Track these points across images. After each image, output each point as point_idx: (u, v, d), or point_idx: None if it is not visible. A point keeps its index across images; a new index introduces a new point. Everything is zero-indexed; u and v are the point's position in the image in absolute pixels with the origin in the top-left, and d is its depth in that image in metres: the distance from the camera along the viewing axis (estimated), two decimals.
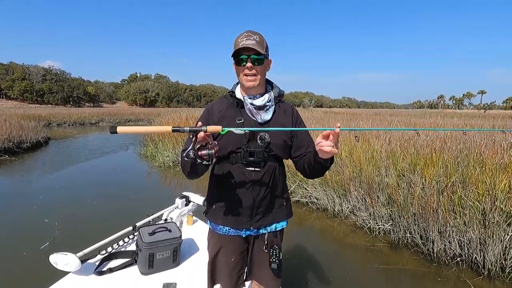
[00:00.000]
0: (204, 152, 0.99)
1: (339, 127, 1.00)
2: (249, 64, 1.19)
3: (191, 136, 1.01)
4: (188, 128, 0.97)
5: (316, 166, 1.17)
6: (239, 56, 1.19)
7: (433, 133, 5.77)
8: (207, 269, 1.46)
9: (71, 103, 64.57)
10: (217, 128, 0.99)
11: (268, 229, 1.37)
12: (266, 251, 1.37)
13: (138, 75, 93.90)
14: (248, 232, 1.35)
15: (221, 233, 1.37)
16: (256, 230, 1.35)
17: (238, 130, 1.06)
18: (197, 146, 1.00)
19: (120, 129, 0.93)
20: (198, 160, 1.00)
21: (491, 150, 3.91)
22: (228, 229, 1.35)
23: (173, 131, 0.96)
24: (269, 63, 1.29)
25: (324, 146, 1.03)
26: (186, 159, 1.00)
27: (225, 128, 1.00)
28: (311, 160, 1.19)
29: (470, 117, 15.56)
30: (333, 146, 1.03)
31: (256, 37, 1.18)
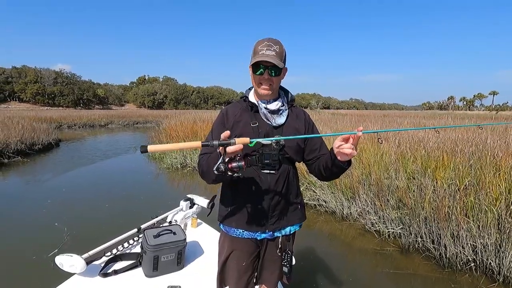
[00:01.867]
0: (234, 164, 1.01)
1: (362, 131, 1.03)
2: (266, 76, 1.22)
3: (219, 150, 1.02)
4: (217, 142, 0.98)
5: (335, 169, 1.18)
6: (258, 66, 1.21)
7: (444, 135, 5.64)
8: (216, 273, 1.46)
9: (81, 105, 65.75)
10: (245, 140, 1.00)
11: (283, 232, 1.37)
12: (280, 254, 1.37)
13: (147, 77, 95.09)
14: (263, 235, 1.34)
15: (235, 235, 1.35)
16: (271, 233, 1.34)
17: (265, 140, 1.08)
18: (227, 159, 1.01)
19: (150, 148, 0.96)
20: (229, 173, 1.01)
21: (505, 152, 3.78)
22: (242, 231, 1.34)
23: (203, 146, 0.98)
24: (285, 72, 1.31)
25: (344, 148, 1.06)
26: (216, 172, 1.00)
27: (253, 140, 1.01)
28: (328, 163, 1.19)
29: (481, 118, 15.20)
30: (353, 148, 1.05)
31: (277, 48, 1.20)
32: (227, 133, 1.00)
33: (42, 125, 12.68)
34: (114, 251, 1.97)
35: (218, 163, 1.00)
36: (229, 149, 0.98)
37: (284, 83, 1.37)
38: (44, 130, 11.59)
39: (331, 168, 1.18)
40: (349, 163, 1.15)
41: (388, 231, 3.53)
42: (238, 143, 0.98)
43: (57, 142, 11.64)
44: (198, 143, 0.98)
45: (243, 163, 1.01)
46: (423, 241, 3.20)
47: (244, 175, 1.28)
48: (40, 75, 62.93)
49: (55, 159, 8.88)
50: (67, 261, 1.68)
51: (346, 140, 1.07)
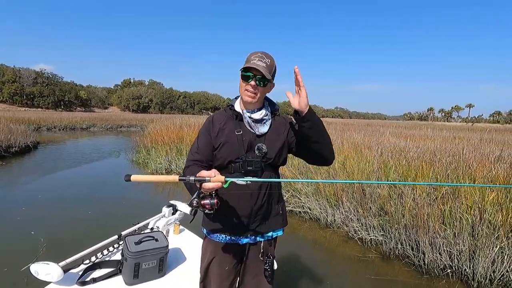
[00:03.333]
0: (206, 201, 1.04)
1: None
2: (253, 83, 1.26)
3: (197, 185, 1.04)
4: (193, 178, 1.01)
5: (309, 132, 1.25)
6: (247, 72, 1.26)
7: (424, 145, 5.87)
8: (199, 280, 1.46)
9: (62, 107, 63.65)
10: (220, 179, 1.02)
11: (265, 236, 1.40)
12: (262, 259, 1.40)
13: (132, 80, 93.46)
14: (245, 240, 1.37)
15: (218, 240, 1.37)
16: (254, 237, 1.37)
17: (240, 181, 1.12)
18: (201, 195, 1.04)
19: (133, 177, 1.03)
20: (200, 209, 1.04)
21: (480, 163, 3.97)
22: (225, 236, 1.36)
23: (180, 180, 1.02)
24: (271, 86, 1.36)
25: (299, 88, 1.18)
26: (189, 207, 1.06)
27: (228, 179, 1.04)
28: (301, 136, 1.28)
29: (458, 129, 15.94)
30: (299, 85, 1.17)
31: (268, 61, 1.26)
32: (211, 172, 1.04)
33: (20, 127, 12.17)
34: (93, 258, 1.90)
35: (192, 198, 1.04)
36: (205, 185, 1.02)
37: (272, 90, 1.42)
38: (21, 132, 11.11)
39: (307, 136, 1.25)
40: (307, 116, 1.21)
41: (370, 238, 3.60)
42: (213, 181, 1.01)
43: (35, 144, 11.17)
44: (175, 177, 1.03)
45: (215, 200, 1.05)
46: (403, 248, 3.29)
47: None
48: (19, 74, 60.62)
49: (32, 163, 8.52)
50: (43, 270, 1.61)
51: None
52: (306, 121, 1.21)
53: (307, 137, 1.25)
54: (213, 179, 1.01)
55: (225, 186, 1.04)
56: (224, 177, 1.03)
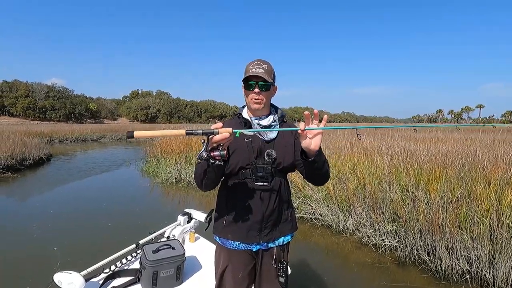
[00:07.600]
0: (216, 153, 1.05)
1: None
2: (256, 90, 1.30)
3: (203, 140, 1.06)
4: (201, 130, 1.03)
5: (307, 170, 1.22)
6: (248, 81, 1.30)
7: (434, 148, 5.79)
8: (214, 286, 1.47)
9: (73, 119, 65.07)
10: (228, 130, 1.03)
11: (276, 243, 1.41)
12: (275, 265, 1.40)
13: (140, 91, 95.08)
14: (258, 247, 1.38)
15: (231, 247, 1.39)
16: (266, 244, 1.38)
17: (248, 132, 1.13)
18: (210, 148, 1.06)
19: (136, 133, 1.00)
20: (211, 161, 1.05)
21: (494, 165, 3.90)
22: (238, 243, 1.37)
23: (187, 134, 1.02)
24: (274, 89, 1.39)
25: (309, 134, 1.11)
26: (199, 160, 1.06)
27: (237, 130, 1.06)
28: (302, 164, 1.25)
29: (470, 131, 15.61)
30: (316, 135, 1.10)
31: (265, 66, 1.29)
32: (219, 124, 1.06)
33: (33, 140, 12.48)
34: (113, 267, 1.94)
35: (201, 151, 1.04)
36: (214, 138, 1.03)
37: (278, 96, 1.46)
38: (35, 145, 11.39)
39: (306, 169, 1.22)
40: (317, 157, 1.14)
41: (385, 244, 3.55)
42: (221, 132, 1.03)
43: (48, 157, 11.44)
44: (182, 131, 1.03)
45: (225, 152, 1.05)
46: (419, 253, 3.23)
47: (238, 188, 1.34)
48: (31, 89, 62.39)
49: (46, 175, 8.71)
50: (66, 279, 1.65)
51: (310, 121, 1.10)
52: (315, 163, 1.17)
53: (311, 172, 1.24)
54: (220, 130, 1.02)
55: (237, 135, 1.07)
56: (231, 128, 1.04)
